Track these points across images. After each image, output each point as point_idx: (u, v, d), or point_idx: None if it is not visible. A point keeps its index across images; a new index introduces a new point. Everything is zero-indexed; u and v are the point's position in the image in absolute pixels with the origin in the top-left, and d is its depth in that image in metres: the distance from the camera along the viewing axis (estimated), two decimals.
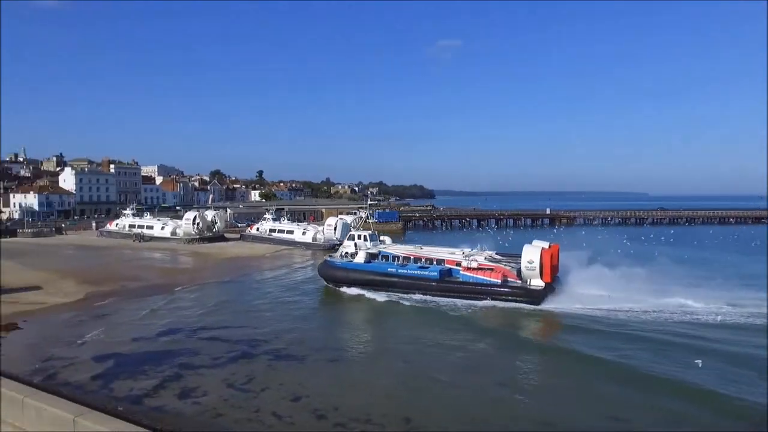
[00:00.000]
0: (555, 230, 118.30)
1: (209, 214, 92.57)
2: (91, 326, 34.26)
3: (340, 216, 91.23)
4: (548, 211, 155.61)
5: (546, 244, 43.28)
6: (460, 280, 43.56)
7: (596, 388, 24.06)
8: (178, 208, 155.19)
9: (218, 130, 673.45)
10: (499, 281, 41.76)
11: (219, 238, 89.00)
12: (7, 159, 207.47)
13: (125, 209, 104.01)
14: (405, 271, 45.80)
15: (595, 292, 40.94)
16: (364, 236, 53.56)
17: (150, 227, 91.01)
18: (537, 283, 41.13)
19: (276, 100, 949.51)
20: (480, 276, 42.65)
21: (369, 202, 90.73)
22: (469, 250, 47.56)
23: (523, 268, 41.46)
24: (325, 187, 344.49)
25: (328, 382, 24.15)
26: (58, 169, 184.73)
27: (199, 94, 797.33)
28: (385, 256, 48.51)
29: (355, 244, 51.54)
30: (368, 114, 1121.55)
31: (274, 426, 19.35)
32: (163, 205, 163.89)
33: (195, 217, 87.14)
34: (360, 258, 48.43)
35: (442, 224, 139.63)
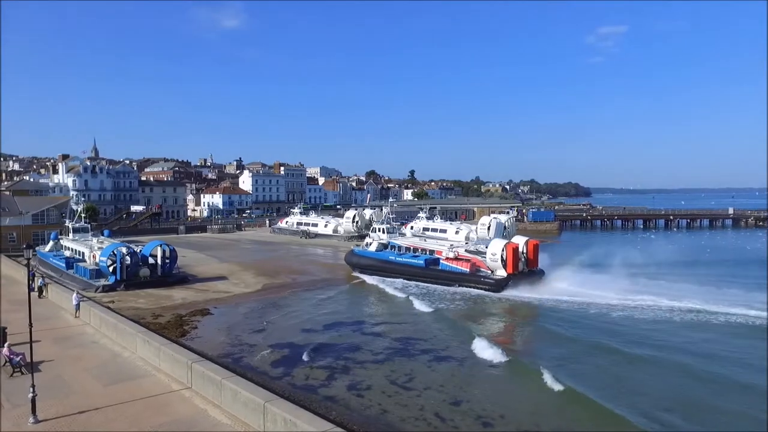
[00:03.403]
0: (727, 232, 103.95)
1: (367, 213, 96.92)
2: (268, 315, 37.85)
3: (493, 215, 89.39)
4: (731, 211, 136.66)
5: (523, 240, 49.21)
6: (440, 268, 49.81)
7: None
8: (338, 207, 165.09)
9: (372, 133, 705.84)
10: (468, 271, 47.46)
11: None
12: (198, 163, 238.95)
13: (293, 208, 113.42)
14: (400, 259, 53.42)
15: (569, 287, 45.65)
16: (382, 228, 61.72)
17: (315, 225, 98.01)
18: (500, 273, 46.23)
19: (427, 103, 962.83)
20: (455, 265, 48.82)
21: (512, 205, 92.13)
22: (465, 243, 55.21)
23: (488, 260, 46.96)
24: (476, 186, 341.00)
25: (489, 387, 23.69)
26: (237, 171, 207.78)
27: (353, 103, 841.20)
28: (393, 246, 56.10)
29: (371, 236, 60.27)
30: (518, 111, 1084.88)
31: (439, 428, 19.51)
32: (324, 204, 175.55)
33: (354, 216, 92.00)
34: (372, 247, 56.95)
35: (602, 225, 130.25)
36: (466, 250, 50.78)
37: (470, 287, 46.84)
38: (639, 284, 45.52)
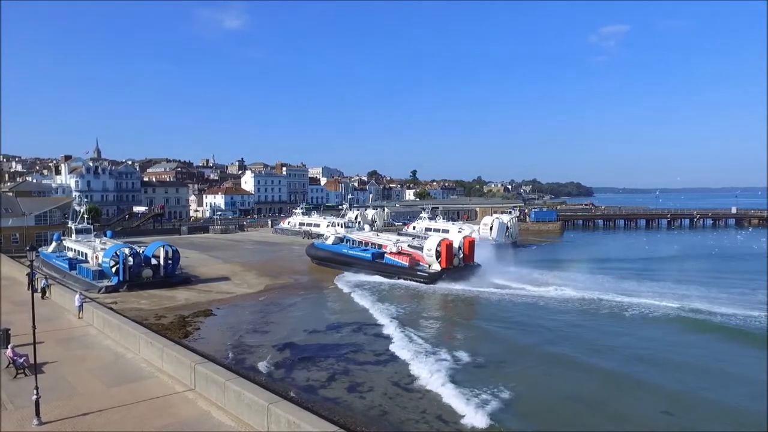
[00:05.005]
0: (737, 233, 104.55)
1: (369, 213, 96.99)
2: (270, 316, 37.94)
3: (495, 215, 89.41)
4: (734, 210, 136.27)
5: (459, 237, 54.39)
6: (384, 261, 53.63)
7: None
8: (340, 207, 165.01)
9: (374, 134, 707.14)
10: (407, 264, 51.38)
11: None
12: (201, 164, 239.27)
13: (295, 208, 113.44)
14: (351, 252, 57.33)
15: (499, 280, 49.96)
16: (340, 224, 67.01)
17: (317, 225, 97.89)
18: (435, 267, 50.09)
19: (428, 103, 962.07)
20: (396, 259, 52.73)
21: (514, 205, 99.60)
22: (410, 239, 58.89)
23: (424, 255, 50.56)
24: (478, 186, 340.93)
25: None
26: (239, 172, 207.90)
27: (355, 103, 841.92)
28: (347, 240, 60.12)
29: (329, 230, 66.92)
30: (519, 110, 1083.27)
31: (441, 429, 19.52)
32: (326, 204, 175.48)
33: (357, 216, 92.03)
34: (329, 241, 61.40)
35: (604, 224, 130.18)
36: (408, 245, 54.81)
37: (408, 279, 50.48)
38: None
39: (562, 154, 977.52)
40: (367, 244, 58.37)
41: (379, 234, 64.92)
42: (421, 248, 52.32)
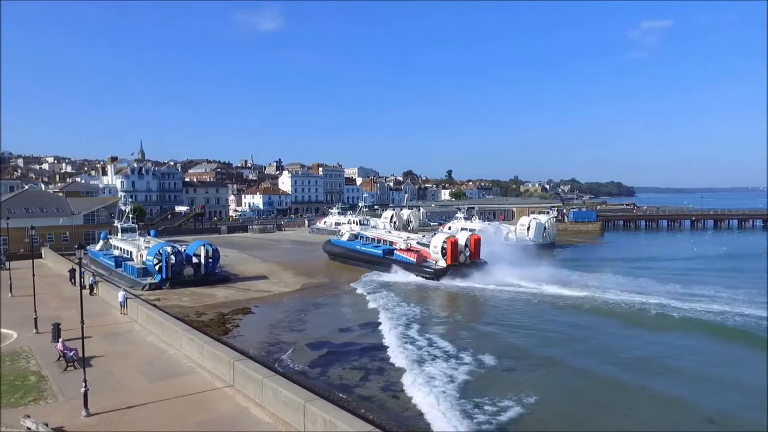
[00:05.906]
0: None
1: (405, 213, 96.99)
2: (307, 315, 38.45)
3: (533, 215, 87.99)
4: None
5: (465, 235, 56.23)
6: (393, 258, 55.43)
7: None
8: (375, 207, 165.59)
9: (409, 133, 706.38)
10: (415, 260, 53.28)
11: None
12: (239, 164, 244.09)
13: (332, 208, 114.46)
14: (364, 248, 60.22)
15: (506, 278, 50.34)
16: (355, 221, 72.61)
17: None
18: (441, 264, 51.75)
19: (465, 102, 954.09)
20: (405, 255, 54.81)
21: (552, 205, 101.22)
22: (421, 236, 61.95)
23: (431, 252, 52.56)
24: (514, 186, 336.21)
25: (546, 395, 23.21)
26: (277, 172, 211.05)
27: (391, 103, 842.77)
28: (361, 237, 63.06)
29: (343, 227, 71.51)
30: (557, 109, 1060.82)
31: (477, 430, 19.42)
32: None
33: (392, 216, 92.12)
34: (344, 237, 64.60)
35: (646, 225, 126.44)
36: (417, 242, 56.75)
37: (415, 275, 52.33)
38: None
39: (601, 153, 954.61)
40: (378, 240, 60.88)
41: (391, 231, 68.68)
42: (428, 245, 53.92)
